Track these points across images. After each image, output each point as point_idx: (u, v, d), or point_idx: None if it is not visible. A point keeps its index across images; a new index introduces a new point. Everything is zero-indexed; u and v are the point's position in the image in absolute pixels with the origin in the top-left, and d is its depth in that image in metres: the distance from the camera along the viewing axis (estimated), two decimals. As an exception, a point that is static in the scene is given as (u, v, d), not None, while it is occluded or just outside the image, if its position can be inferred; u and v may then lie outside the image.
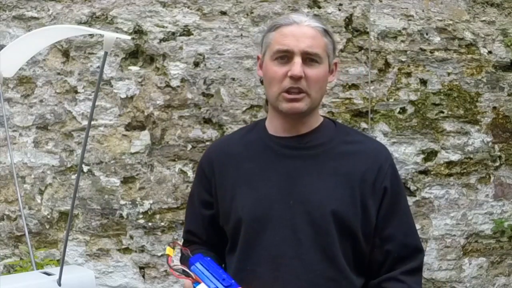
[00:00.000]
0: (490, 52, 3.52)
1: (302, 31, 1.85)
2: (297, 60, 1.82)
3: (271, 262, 1.80)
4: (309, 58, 1.83)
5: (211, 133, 3.40)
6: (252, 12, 3.41)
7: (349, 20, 3.44)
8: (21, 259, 3.38)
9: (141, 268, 3.44)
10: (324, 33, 1.87)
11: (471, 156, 3.51)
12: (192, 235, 2.02)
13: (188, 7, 3.41)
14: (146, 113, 3.41)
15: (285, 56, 1.84)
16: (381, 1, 3.45)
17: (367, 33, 3.44)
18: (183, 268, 1.78)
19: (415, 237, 1.90)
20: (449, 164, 3.50)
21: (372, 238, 1.84)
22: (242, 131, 2.02)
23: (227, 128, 3.39)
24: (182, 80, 3.40)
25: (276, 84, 1.84)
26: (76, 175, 2.81)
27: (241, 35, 3.41)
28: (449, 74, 3.50)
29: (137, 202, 3.40)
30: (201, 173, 1.98)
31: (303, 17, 1.89)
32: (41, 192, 3.43)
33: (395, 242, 1.84)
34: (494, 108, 3.53)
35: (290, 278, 1.79)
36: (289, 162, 1.86)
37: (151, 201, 3.40)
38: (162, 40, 3.40)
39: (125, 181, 3.41)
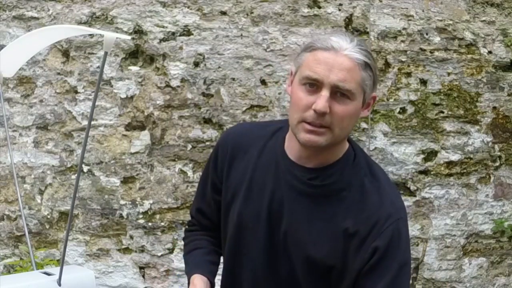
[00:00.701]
0: (490, 52, 3.52)
1: (338, 61, 1.64)
2: (325, 93, 1.63)
3: (251, 282, 1.78)
4: (339, 92, 1.64)
5: (211, 133, 3.40)
6: (252, 12, 3.41)
7: (349, 20, 3.44)
8: (21, 259, 3.37)
9: (141, 268, 3.44)
10: (364, 66, 1.66)
11: (471, 156, 3.51)
12: (202, 214, 1.95)
13: (188, 7, 3.41)
14: (146, 113, 3.41)
15: (314, 84, 1.65)
16: (381, 1, 3.45)
17: (367, 33, 3.44)
18: None
19: None
20: (449, 164, 3.50)
21: None
22: (264, 132, 1.85)
23: (227, 128, 3.39)
24: (182, 80, 3.40)
25: (299, 112, 1.66)
26: (76, 175, 2.81)
27: (241, 35, 3.41)
28: (449, 74, 3.49)
29: (137, 202, 3.40)
30: (215, 157, 1.87)
31: (344, 43, 1.66)
32: (41, 192, 3.43)
33: None
34: (494, 108, 3.53)
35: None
36: (290, 192, 1.74)
37: (151, 201, 3.40)
38: (162, 40, 3.40)
39: (125, 181, 3.41)
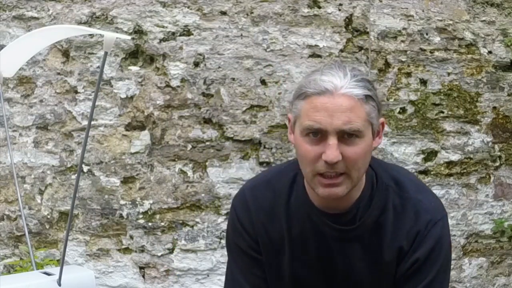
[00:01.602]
0: (490, 52, 3.52)
1: (337, 103, 1.53)
2: (332, 141, 1.53)
3: None
4: (346, 134, 1.55)
5: (211, 133, 3.40)
6: (252, 12, 3.41)
7: (349, 20, 3.44)
8: (21, 259, 3.37)
9: (141, 268, 3.44)
10: (366, 99, 1.55)
11: (471, 156, 3.51)
12: None
13: (188, 7, 3.41)
14: (146, 113, 3.41)
15: (317, 133, 1.55)
16: (381, 1, 3.45)
17: (367, 33, 3.44)
18: None
19: None
20: (449, 164, 3.50)
21: None
22: (279, 185, 1.72)
23: (227, 128, 3.39)
24: (182, 80, 3.40)
25: (310, 165, 1.57)
26: (76, 175, 2.81)
27: (241, 35, 3.41)
28: (449, 74, 3.50)
29: (137, 202, 3.40)
30: (244, 234, 1.72)
31: (337, 80, 1.55)
32: (41, 192, 3.43)
33: None
34: (494, 108, 3.53)
35: None
36: (333, 242, 1.69)
37: (151, 201, 3.40)
38: (162, 40, 3.40)
39: (125, 181, 3.41)
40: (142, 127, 3.42)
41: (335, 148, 1.53)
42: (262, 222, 1.70)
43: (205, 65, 3.40)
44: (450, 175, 3.50)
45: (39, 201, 3.43)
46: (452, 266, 3.51)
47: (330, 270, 1.71)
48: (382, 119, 1.63)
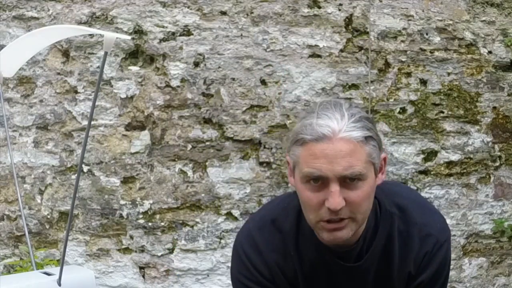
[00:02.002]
0: (490, 52, 3.52)
1: (336, 148, 1.48)
2: (334, 188, 1.49)
3: None
4: (349, 179, 1.51)
5: (211, 133, 3.40)
6: (252, 12, 3.41)
7: (349, 20, 3.44)
8: (21, 259, 3.37)
9: (141, 268, 3.44)
10: (365, 141, 1.51)
11: (471, 156, 3.51)
12: None
13: (188, 7, 3.41)
14: (146, 113, 3.41)
15: (318, 179, 1.51)
16: (381, 1, 3.45)
17: (367, 33, 3.44)
18: None
19: None
20: (449, 164, 3.50)
21: None
22: (286, 225, 1.68)
23: (227, 128, 3.39)
24: (182, 80, 3.40)
25: (313, 212, 1.55)
26: (76, 175, 2.81)
27: (241, 35, 3.41)
28: (449, 74, 3.49)
29: (137, 202, 3.40)
30: (263, 281, 1.67)
31: (334, 123, 1.49)
32: (41, 192, 3.43)
33: None
34: (494, 108, 3.53)
35: None
36: (344, 276, 1.68)
37: (151, 201, 3.40)
38: (162, 40, 3.40)
39: (125, 181, 3.41)
40: (142, 127, 3.42)
41: (338, 195, 1.50)
42: (276, 262, 1.67)
43: (205, 65, 3.40)
44: (450, 175, 3.50)
45: (39, 201, 3.43)
46: (452, 266, 3.51)
47: None
48: (383, 155, 1.59)
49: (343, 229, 1.54)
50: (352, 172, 1.50)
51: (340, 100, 1.68)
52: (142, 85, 3.41)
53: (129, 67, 3.41)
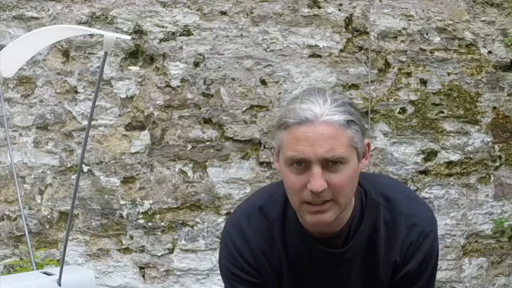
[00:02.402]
0: (490, 52, 3.52)
1: (317, 132, 1.52)
2: (316, 170, 1.53)
3: None
4: (331, 162, 1.54)
5: (211, 133, 3.40)
6: (252, 12, 3.41)
7: (349, 20, 3.44)
8: (21, 259, 3.37)
9: (141, 268, 3.44)
10: (347, 124, 1.54)
11: (471, 156, 3.51)
12: None
13: (188, 7, 3.41)
14: (146, 113, 3.41)
15: (301, 163, 1.55)
16: (381, 1, 3.45)
17: (367, 33, 3.44)
18: None
19: None
20: (449, 164, 3.50)
21: None
22: (273, 214, 1.71)
23: (227, 128, 3.39)
24: (182, 80, 3.40)
25: (296, 195, 1.58)
26: (76, 175, 2.81)
27: (241, 35, 3.41)
28: (449, 74, 3.50)
29: (137, 202, 3.41)
30: (245, 266, 1.71)
31: (317, 107, 1.54)
32: (41, 192, 3.43)
33: None
34: (494, 108, 3.53)
35: None
36: (328, 266, 1.70)
37: (151, 201, 3.40)
38: (162, 40, 3.40)
39: (125, 181, 3.41)
40: (142, 127, 3.42)
41: (319, 177, 1.52)
42: (262, 250, 1.69)
43: (205, 65, 3.40)
44: (450, 175, 3.50)
45: (39, 201, 3.43)
46: (452, 266, 3.52)
47: None
48: (367, 140, 1.61)
49: (325, 212, 1.56)
50: (334, 155, 1.52)
51: (325, 87, 1.70)
52: (142, 85, 3.41)
53: (129, 67, 3.41)
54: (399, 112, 3.47)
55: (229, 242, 1.73)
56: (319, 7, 3.41)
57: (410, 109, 3.47)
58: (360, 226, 1.67)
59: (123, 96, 3.41)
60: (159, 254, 3.41)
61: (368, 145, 1.63)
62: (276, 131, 1.59)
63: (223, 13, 3.41)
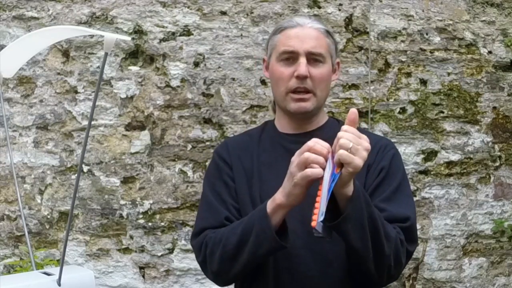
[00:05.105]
0: (490, 52, 3.52)
1: (305, 32, 1.93)
2: (302, 60, 1.90)
3: (282, 253, 1.81)
4: (313, 58, 1.91)
5: (211, 133, 3.40)
6: (252, 12, 3.41)
7: (349, 20, 3.44)
8: (21, 259, 3.38)
9: (141, 268, 3.44)
10: (326, 34, 1.96)
11: (471, 156, 3.51)
12: (229, 221, 1.91)
13: (188, 7, 3.41)
14: (146, 113, 3.41)
15: (290, 57, 1.92)
16: (381, 1, 3.45)
17: (367, 33, 3.44)
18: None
19: (409, 210, 1.88)
20: (449, 164, 3.50)
21: None
22: (253, 131, 2.09)
23: (227, 128, 3.39)
24: (182, 80, 3.40)
25: (283, 84, 1.93)
26: (76, 175, 2.81)
27: (241, 35, 3.41)
28: (449, 74, 3.50)
29: (137, 202, 3.41)
30: (220, 163, 1.98)
31: (305, 19, 1.98)
32: (41, 192, 3.43)
33: (385, 213, 1.82)
34: (494, 108, 3.53)
35: (301, 269, 1.84)
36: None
37: (151, 201, 3.40)
38: (162, 40, 3.40)
39: (125, 181, 3.41)
40: (142, 127, 3.42)
41: (305, 65, 1.90)
42: (237, 154, 2.00)
43: (205, 65, 3.40)
44: (450, 175, 3.50)
45: (39, 201, 3.43)
46: (452, 266, 3.52)
47: None
48: (338, 60, 2.01)
49: (307, 101, 1.92)
50: (316, 50, 1.92)
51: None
52: (142, 85, 3.41)
53: (129, 67, 3.42)
54: (399, 112, 3.47)
55: (214, 154, 2.05)
56: (319, 7, 3.41)
57: (410, 109, 3.47)
58: (332, 130, 1.90)
59: (123, 96, 3.41)
60: (159, 254, 3.42)
61: (338, 64, 2.01)
62: (271, 39, 1.99)
63: (223, 13, 3.41)
